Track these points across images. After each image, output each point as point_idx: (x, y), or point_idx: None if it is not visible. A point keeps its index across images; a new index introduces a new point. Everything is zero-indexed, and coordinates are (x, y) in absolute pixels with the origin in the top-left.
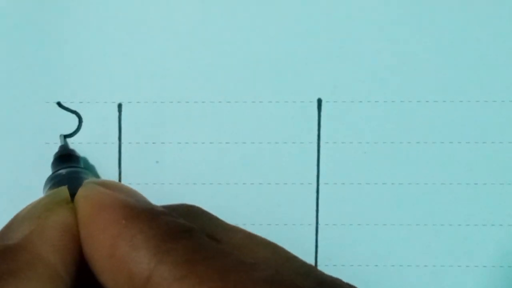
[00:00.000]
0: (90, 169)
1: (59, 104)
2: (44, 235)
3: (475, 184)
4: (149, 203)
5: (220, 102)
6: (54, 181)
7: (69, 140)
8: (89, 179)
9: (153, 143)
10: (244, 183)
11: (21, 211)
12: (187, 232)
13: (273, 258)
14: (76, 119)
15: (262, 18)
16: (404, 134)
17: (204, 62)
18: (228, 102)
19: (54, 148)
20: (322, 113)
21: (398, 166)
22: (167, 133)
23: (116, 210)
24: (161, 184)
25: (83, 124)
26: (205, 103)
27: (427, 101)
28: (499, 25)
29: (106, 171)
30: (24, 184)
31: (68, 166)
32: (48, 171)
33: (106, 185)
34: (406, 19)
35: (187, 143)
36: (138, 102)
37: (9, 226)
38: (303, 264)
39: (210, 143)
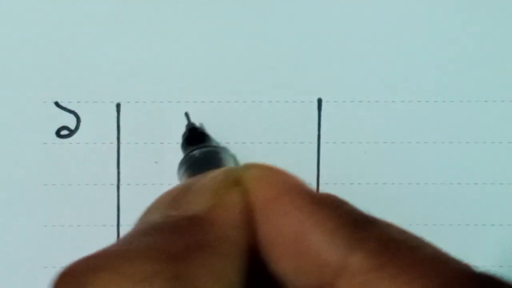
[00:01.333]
0: (221, 146)
1: (57, 104)
2: (227, 213)
3: (475, 184)
4: (323, 193)
5: (220, 102)
6: (190, 163)
7: (67, 140)
8: (250, 163)
9: (152, 143)
10: None
11: (192, 183)
12: (370, 221)
13: (433, 251)
14: (75, 119)
15: (262, 18)
16: (404, 134)
17: (204, 62)
18: (228, 102)
19: (52, 148)
20: (322, 113)
21: (398, 166)
22: (166, 133)
23: (298, 195)
24: (160, 184)
25: (82, 124)
26: (204, 103)
27: (427, 101)
28: (499, 25)
29: (105, 172)
30: (21, 184)
31: (201, 146)
32: (47, 171)
33: (271, 168)
34: (406, 19)
35: None
36: (137, 102)
37: (182, 196)
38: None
39: None
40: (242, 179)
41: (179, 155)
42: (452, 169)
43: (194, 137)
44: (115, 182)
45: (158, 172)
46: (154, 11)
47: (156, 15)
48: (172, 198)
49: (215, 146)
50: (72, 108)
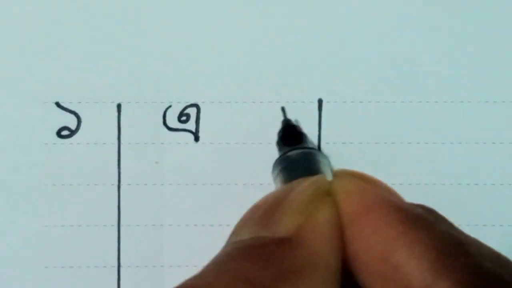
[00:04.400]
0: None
1: (57, 104)
2: (317, 231)
3: (475, 184)
4: (410, 203)
5: (220, 102)
6: (286, 164)
7: (67, 140)
8: (341, 170)
9: (153, 143)
10: (244, 184)
11: (282, 196)
12: (463, 246)
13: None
14: (75, 119)
15: (262, 18)
16: (404, 134)
17: (204, 62)
18: (228, 102)
19: (53, 148)
20: (322, 113)
21: (398, 166)
22: (166, 134)
23: (390, 212)
24: (160, 185)
25: (82, 124)
26: (204, 103)
27: (427, 101)
28: (499, 25)
29: (106, 172)
30: (22, 185)
31: (298, 146)
32: (47, 172)
33: (362, 177)
34: (406, 19)
35: (186, 143)
36: (138, 102)
37: (272, 212)
38: None
39: (210, 143)
40: (332, 191)
41: (180, 155)
42: (452, 169)
43: (290, 136)
44: (116, 182)
45: (159, 172)
46: (154, 11)
47: (156, 15)
48: (261, 215)
49: (312, 148)
50: (72, 109)
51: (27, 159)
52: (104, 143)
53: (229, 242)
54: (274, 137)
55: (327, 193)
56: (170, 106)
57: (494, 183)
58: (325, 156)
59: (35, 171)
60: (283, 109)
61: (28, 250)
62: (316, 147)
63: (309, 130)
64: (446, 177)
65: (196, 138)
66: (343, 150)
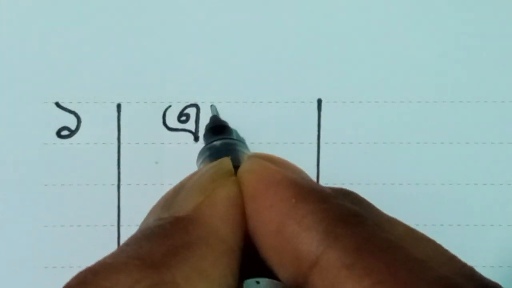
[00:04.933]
0: (242, 140)
1: (57, 104)
2: (214, 208)
3: (475, 184)
4: (316, 183)
5: (220, 102)
6: (210, 152)
7: (67, 140)
8: (253, 153)
9: (152, 143)
10: None
11: (185, 181)
12: (357, 218)
13: (434, 256)
14: (75, 119)
15: (262, 18)
16: (404, 134)
17: (204, 62)
18: (228, 102)
19: (53, 148)
20: (322, 113)
21: (398, 166)
22: (166, 134)
23: (285, 187)
24: (160, 185)
25: (82, 124)
26: (204, 103)
27: (427, 101)
28: (499, 25)
29: (106, 172)
30: (22, 184)
31: (222, 137)
32: (47, 172)
33: (272, 160)
34: (406, 19)
35: (186, 143)
36: (137, 102)
37: (175, 196)
38: (464, 265)
39: None
40: (238, 171)
41: (179, 155)
42: (452, 169)
43: (217, 128)
44: (116, 182)
45: (158, 172)
46: (154, 12)
47: (156, 16)
48: (166, 200)
49: (235, 139)
50: (72, 109)
51: (27, 159)
52: (104, 143)
53: (138, 228)
54: (274, 136)
55: (230, 174)
56: (170, 106)
57: (494, 183)
58: (246, 147)
59: (34, 171)
60: (212, 106)
61: (28, 250)
62: (242, 140)
63: (309, 130)
64: (446, 177)
65: (196, 138)
66: (342, 150)
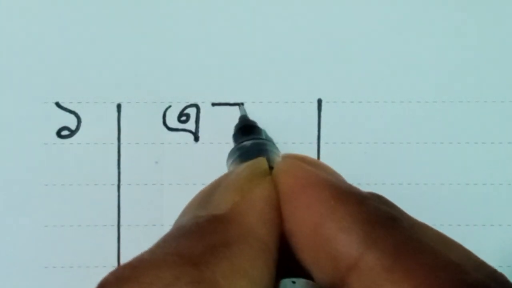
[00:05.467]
0: (271, 140)
1: (57, 104)
2: (251, 208)
3: (475, 184)
4: (352, 185)
5: (220, 102)
6: (240, 152)
7: (67, 140)
8: (286, 153)
9: (152, 143)
10: None
11: (220, 180)
12: (393, 220)
13: (467, 261)
14: (75, 119)
15: (262, 18)
16: (404, 134)
17: (204, 62)
18: (228, 102)
19: (53, 148)
20: (322, 113)
21: (398, 166)
22: (166, 133)
23: (323, 189)
24: (160, 184)
25: (82, 124)
26: (204, 103)
27: (426, 101)
28: (499, 25)
29: (106, 172)
30: (22, 184)
31: (252, 137)
32: (48, 172)
33: (305, 160)
34: (406, 19)
35: (186, 143)
36: (138, 102)
37: (211, 194)
38: (495, 270)
39: (210, 143)
40: (273, 171)
41: (179, 155)
42: (452, 169)
43: (247, 128)
44: (116, 182)
45: (158, 172)
46: (154, 12)
47: (156, 16)
48: (201, 198)
49: (265, 139)
50: (72, 109)
51: (27, 159)
52: (104, 143)
53: (173, 225)
54: (274, 136)
55: (266, 173)
56: (170, 106)
57: (494, 183)
58: (276, 146)
59: (35, 171)
60: (240, 106)
61: (28, 250)
62: (271, 140)
63: (309, 130)
64: (446, 177)
65: (196, 138)
66: (342, 150)
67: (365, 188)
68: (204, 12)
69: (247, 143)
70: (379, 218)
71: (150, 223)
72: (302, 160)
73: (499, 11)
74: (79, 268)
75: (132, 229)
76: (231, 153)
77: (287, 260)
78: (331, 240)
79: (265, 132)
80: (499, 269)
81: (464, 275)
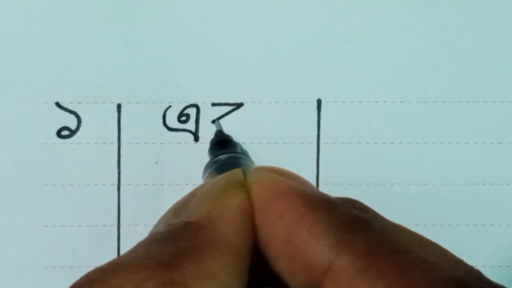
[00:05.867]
0: (246, 154)
1: (57, 104)
2: (224, 216)
3: (475, 184)
4: (323, 193)
5: (219, 102)
6: (216, 166)
7: (67, 140)
8: (258, 165)
9: (152, 143)
10: None
11: (196, 190)
12: (365, 224)
13: (443, 259)
14: (75, 120)
15: (262, 18)
16: (404, 134)
17: (204, 62)
18: (227, 102)
19: (53, 148)
20: (322, 113)
21: (398, 166)
22: (166, 134)
23: (294, 197)
24: (160, 185)
25: (82, 124)
26: (204, 103)
27: (426, 102)
28: (499, 25)
29: (106, 172)
30: (22, 184)
31: (227, 151)
32: (48, 172)
33: (278, 171)
34: (406, 19)
35: (186, 143)
36: (138, 102)
37: (185, 204)
38: (471, 267)
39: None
40: (246, 182)
41: (179, 155)
42: (452, 169)
43: (222, 142)
44: (116, 182)
45: (158, 172)
46: (154, 12)
47: (156, 16)
48: (176, 208)
49: (240, 153)
50: (73, 109)
51: (27, 159)
52: (104, 143)
53: (148, 235)
54: (274, 136)
55: (240, 185)
56: (170, 106)
57: (494, 183)
58: (251, 160)
59: (35, 171)
60: (216, 121)
61: (28, 250)
62: (246, 153)
63: (309, 130)
64: (446, 177)
65: (196, 138)
66: (342, 150)
67: (365, 188)
68: (204, 12)
69: (222, 156)
70: (350, 222)
71: (150, 223)
72: (274, 171)
73: (499, 11)
74: (79, 268)
75: (132, 229)
76: (207, 167)
77: (259, 269)
78: (304, 247)
79: (240, 146)
80: (499, 269)
81: (438, 271)
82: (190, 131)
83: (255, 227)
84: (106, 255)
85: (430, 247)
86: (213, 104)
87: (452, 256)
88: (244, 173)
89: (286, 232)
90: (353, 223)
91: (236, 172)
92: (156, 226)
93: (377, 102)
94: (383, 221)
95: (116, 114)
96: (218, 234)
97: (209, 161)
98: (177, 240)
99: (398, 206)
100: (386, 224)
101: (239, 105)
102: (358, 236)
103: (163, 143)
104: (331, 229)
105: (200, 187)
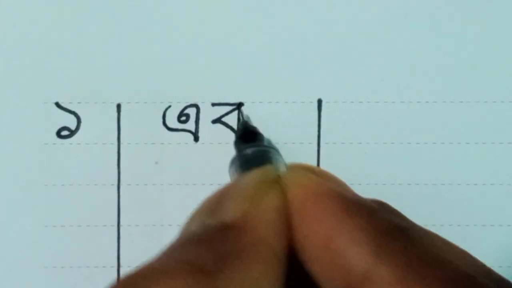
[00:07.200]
0: (274, 147)
1: (57, 104)
2: (262, 217)
3: (475, 184)
4: (360, 196)
5: (219, 102)
6: (244, 160)
7: (67, 140)
8: (293, 163)
9: (152, 143)
10: None
11: (228, 188)
12: (403, 232)
13: (478, 271)
14: (75, 120)
15: (262, 18)
16: (404, 134)
17: (204, 62)
18: (227, 102)
19: (53, 148)
20: (322, 113)
21: (398, 166)
22: (166, 134)
23: (333, 201)
24: (160, 185)
25: (82, 124)
26: (204, 103)
27: (427, 101)
28: (499, 25)
29: (105, 172)
30: (22, 184)
31: (254, 145)
32: (47, 172)
33: (314, 171)
34: (407, 19)
35: (186, 143)
36: (137, 102)
37: (218, 202)
38: (502, 278)
39: (210, 143)
40: (282, 181)
41: (179, 155)
42: (452, 169)
43: (248, 135)
44: (116, 182)
45: (158, 172)
46: (154, 12)
47: (156, 16)
48: (210, 205)
49: (268, 146)
50: (72, 109)
51: (27, 159)
52: (104, 143)
53: (181, 232)
54: (274, 136)
55: (275, 182)
56: (169, 106)
57: (494, 183)
58: (279, 154)
59: (34, 171)
60: (240, 111)
61: (28, 250)
62: (273, 146)
63: (309, 130)
64: (446, 177)
65: (196, 138)
66: (342, 150)
67: (365, 188)
68: (204, 12)
69: (249, 150)
70: (389, 229)
71: (150, 223)
72: (312, 170)
73: (499, 11)
74: (79, 268)
75: (132, 229)
76: (233, 161)
77: (295, 272)
78: (343, 253)
79: (268, 139)
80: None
81: (476, 285)
82: (190, 131)
83: (291, 228)
84: (106, 255)
85: (462, 255)
86: (213, 104)
87: (482, 265)
88: (276, 170)
89: (324, 236)
90: (392, 230)
91: (269, 169)
92: (188, 224)
93: (377, 102)
94: (417, 226)
95: (116, 114)
96: (257, 236)
97: (236, 155)
98: (216, 243)
99: (398, 206)
100: (420, 230)
101: (239, 105)
102: (398, 245)
103: (163, 143)
104: (371, 236)
105: (233, 184)
